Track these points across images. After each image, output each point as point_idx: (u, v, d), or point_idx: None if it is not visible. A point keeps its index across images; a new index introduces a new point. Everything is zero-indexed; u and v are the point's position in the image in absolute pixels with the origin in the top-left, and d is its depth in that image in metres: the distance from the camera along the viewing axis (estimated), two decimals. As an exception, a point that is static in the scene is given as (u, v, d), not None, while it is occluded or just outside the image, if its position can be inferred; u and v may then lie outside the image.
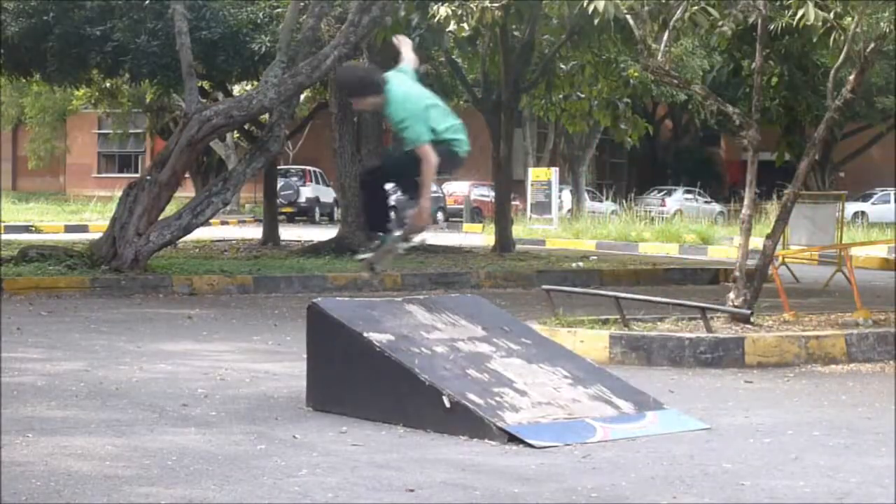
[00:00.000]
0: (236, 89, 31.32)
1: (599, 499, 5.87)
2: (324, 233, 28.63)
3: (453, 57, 24.84)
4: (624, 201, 38.08)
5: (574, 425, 7.29)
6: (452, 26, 17.32)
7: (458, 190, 46.85)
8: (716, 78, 23.56)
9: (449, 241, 27.25)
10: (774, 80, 17.98)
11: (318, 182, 45.97)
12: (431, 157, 7.87)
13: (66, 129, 55.42)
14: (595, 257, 23.77)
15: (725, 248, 26.64)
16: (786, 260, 19.11)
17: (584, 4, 11.34)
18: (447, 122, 8.08)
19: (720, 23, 11.70)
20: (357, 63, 8.65)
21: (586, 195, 45.18)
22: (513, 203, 29.80)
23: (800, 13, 11.16)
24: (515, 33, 23.55)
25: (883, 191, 47.41)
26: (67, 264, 16.43)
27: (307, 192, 44.92)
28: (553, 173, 35.84)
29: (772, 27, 12.39)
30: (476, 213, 41.87)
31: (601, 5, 11.17)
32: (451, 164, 8.30)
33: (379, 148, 22.76)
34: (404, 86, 7.99)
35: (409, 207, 8.26)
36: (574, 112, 24.92)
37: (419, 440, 7.15)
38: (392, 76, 8.07)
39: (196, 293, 16.00)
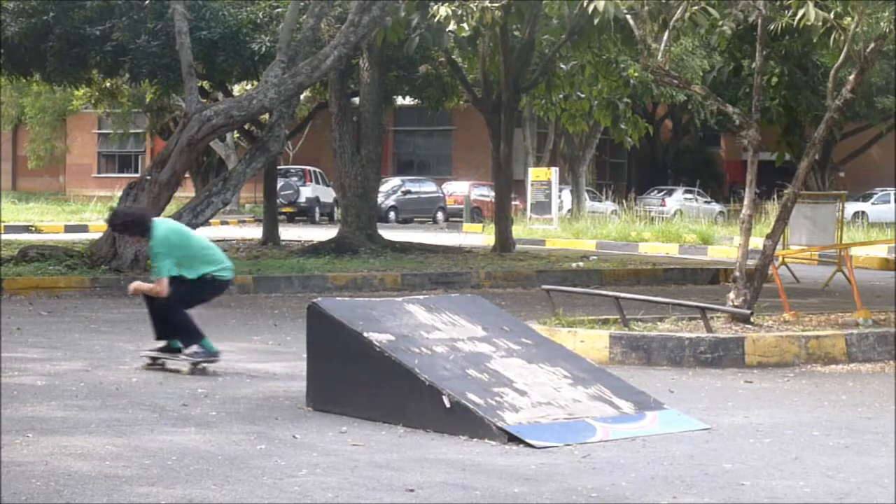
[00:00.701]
0: (236, 89, 31.31)
1: (599, 499, 5.87)
2: (324, 233, 28.63)
3: (453, 57, 24.82)
4: (624, 201, 38.04)
5: (574, 425, 7.29)
6: (452, 26, 17.34)
7: (458, 190, 46.86)
8: (716, 78, 23.51)
9: (449, 241, 27.26)
10: (774, 80, 17.98)
11: (318, 182, 45.95)
12: (163, 288, 9.60)
13: (66, 129, 55.42)
14: (595, 257, 23.77)
15: (725, 248, 26.63)
16: (786, 260, 19.11)
17: (584, 4, 11.34)
18: (211, 259, 9.80)
19: (720, 23, 11.70)
20: (134, 206, 10.66)
21: (586, 195, 45.14)
22: (513, 203, 29.78)
23: (800, 13, 11.16)
24: (515, 33, 23.54)
25: (883, 191, 47.35)
26: (67, 264, 16.43)
27: (307, 192, 44.90)
28: (553, 173, 35.78)
29: (772, 27, 12.38)
30: (476, 213, 41.86)
31: (601, 5, 11.17)
32: (217, 289, 10.02)
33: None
34: (165, 232, 9.79)
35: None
36: (574, 112, 24.90)
37: (419, 440, 7.15)
38: (159, 222, 9.97)
39: (196, 293, 15.97)
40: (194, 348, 9.62)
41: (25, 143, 55.19)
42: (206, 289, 9.88)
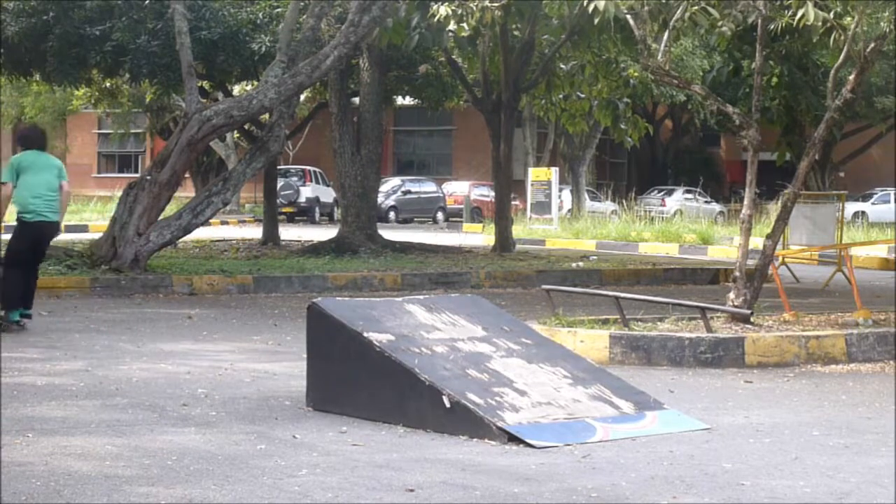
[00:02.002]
0: (236, 89, 31.30)
1: (599, 499, 5.87)
2: (324, 233, 28.64)
3: (453, 57, 24.82)
4: (624, 201, 38.04)
5: (574, 425, 7.29)
6: (452, 26, 17.35)
7: (458, 190, 46.87)
8: (716, 78, 23.54)
9: (449, 241, 27.26)
10: (774, 80, 17.99)
11: (318, 182, 45.97)
12: (8, 188, 11.42)
13: (66, 129, 55.41)
14: (595, 257, 23.77)
15: (725, 248, 26.63)
16: (786, 260, 19.11)
17: (584, 4, 11.35)
18: (36, 197, 11.46)
19: (720, 23, 11.69)
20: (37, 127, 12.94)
21: (586, 195, 45.13)
22: (513, 203, 29.77)
23: (800, 13, 11.16)
24: (515, 33, 23.54)
25: (883, 191, 47.37)
26: (67, 264, 16.43)
27: (307, 192, 44.92)
28: (553, 173, 35.78)
29: (772, 27, 12.38)
30: (476, 213, 41.88)
31: (601, 5, 11.17)
32: (33, 231, 11.61)
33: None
34: (31, 156, 11.59)
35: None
36: (574, 112, 24.90)
37: (419, 440, 7.15)
38: (30, 153, 11.64)
39: (196, 293, 15.99)
40: (1, 313, 11.47)
41: (25, 142, 55.12)
42: (23, 236, 11.54)
